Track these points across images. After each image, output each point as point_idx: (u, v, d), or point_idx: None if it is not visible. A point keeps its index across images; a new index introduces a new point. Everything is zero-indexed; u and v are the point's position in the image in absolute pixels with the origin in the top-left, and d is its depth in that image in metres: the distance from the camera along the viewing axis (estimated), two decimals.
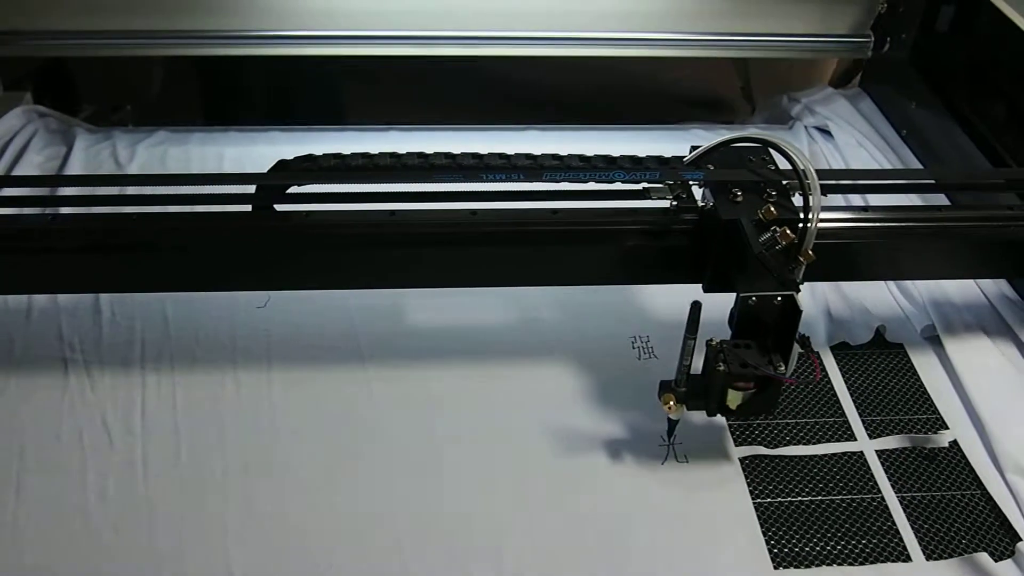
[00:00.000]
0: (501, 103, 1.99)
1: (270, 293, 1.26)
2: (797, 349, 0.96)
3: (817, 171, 0.99)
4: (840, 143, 1.62)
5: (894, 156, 1.61)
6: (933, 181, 1.30)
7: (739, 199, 1.01)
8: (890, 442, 1.12)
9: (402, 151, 1.08)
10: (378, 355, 1.19)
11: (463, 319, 1.25)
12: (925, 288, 1.30)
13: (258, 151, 1.26)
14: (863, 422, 1.14)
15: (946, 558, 1.00)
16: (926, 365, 1.22)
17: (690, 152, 1.08)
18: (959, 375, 1.18)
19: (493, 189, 1.05)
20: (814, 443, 1.11)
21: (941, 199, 1.38)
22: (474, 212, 1.07)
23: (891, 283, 1.33)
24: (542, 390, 1.15)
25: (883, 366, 1.22)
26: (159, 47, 1.65)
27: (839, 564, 0.99)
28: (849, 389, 1.18)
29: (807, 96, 1.77)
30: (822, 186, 0.99)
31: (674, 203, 1.07)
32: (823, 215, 1.09)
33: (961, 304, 1.28)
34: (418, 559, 0.97)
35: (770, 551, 0.99)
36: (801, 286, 1.22)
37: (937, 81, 1.60)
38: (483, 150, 1.08)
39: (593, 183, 1.05)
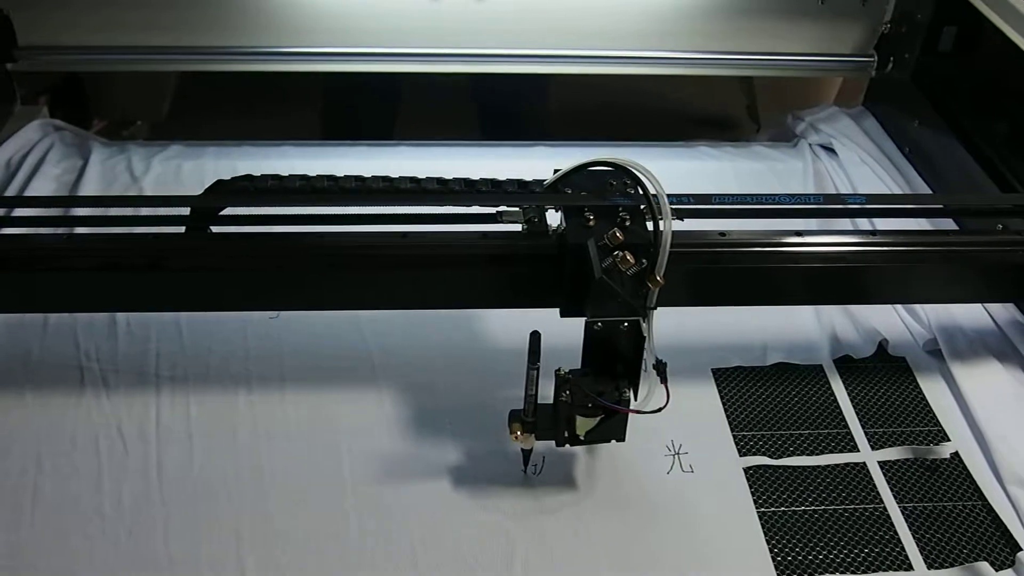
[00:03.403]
0: (509, 120, 2.01)
1: None
2: (655, 376, 0.96)
3: (674, 196, 0.98)
4: (844, 161, 1.64)
5: (897, 174, 1.62)
6: (941, 206, 1.31)
7: (591, 223, 1.00)
8: (892, 453, 1.13)
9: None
10: (390, 368, 1.21)
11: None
12: (932, 310, 1.31)
13: (271, 166, 1.28)
14: (866, 434, 1.16)
15: (947, 567, 1.01)
16: (928, 378, 1.24)
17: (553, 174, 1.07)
18: (961, 388, 1.20)
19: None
20: (817, 454, 1.13)
21: (949, 223, 1.40)
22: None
23: (898, 305, 1.34)
24: None
25: (886, 379, 1.24)
26: (172, 63, 1.68)
27: (841, 573, 1.00)
28: (852, 401, 1.20)
29: (811, 114, 1.79)
30: (677, 211, 0.99)
31: (524, 227, 1.07)
32: (832, 239, 1.12)
33: (967, 325, 1.30)
34: (433, 570, 0.98)
35: (773, 559, 1.01)
36: (795, 308, 1.23)
37: (940, 100, 1.62)
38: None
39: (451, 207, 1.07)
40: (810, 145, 1.71)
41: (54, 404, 1.14)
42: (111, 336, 1.23)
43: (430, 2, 1.61)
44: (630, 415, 0.97)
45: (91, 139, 1.66)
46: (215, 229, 1.10)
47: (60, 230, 1.21)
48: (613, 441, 1.00)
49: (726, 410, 1.18)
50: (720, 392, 1.20)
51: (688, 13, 1.68)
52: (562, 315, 1.04)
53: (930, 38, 1.64)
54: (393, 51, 1.66)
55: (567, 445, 1.01)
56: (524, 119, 2.00)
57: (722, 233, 1.10)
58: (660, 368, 0.96)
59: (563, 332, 0.99)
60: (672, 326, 1.24)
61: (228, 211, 1.09)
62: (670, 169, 1.09)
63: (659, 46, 1.69)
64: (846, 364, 1.25)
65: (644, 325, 0.95)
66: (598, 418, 0.97)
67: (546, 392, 0.98)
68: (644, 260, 0.96)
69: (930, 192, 1.57)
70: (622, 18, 1.66)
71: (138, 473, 1.06)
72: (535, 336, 0.94)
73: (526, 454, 1.05)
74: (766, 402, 1.19)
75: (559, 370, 0.96)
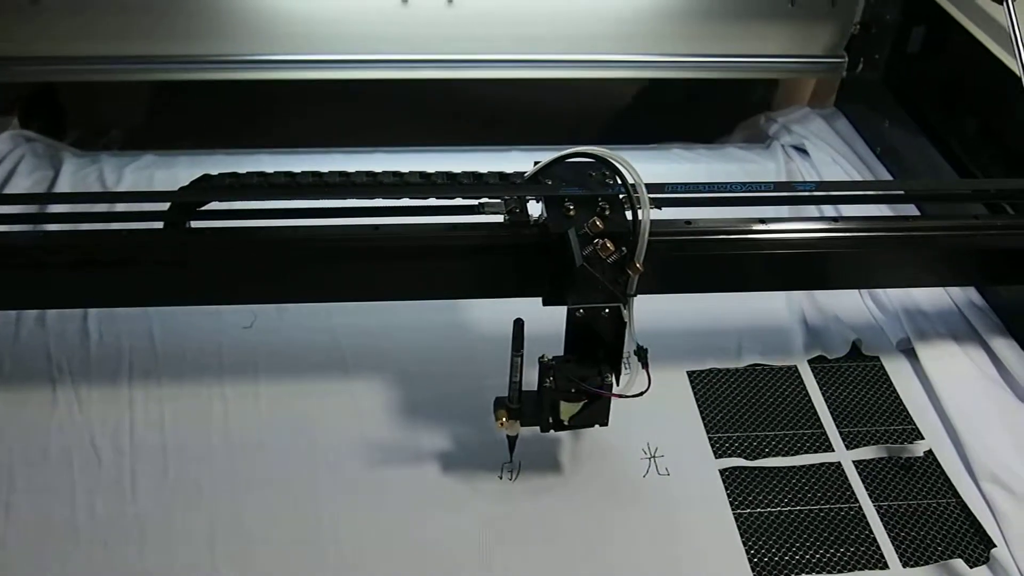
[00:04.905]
0: (484, 125, 2.00)
1: (256, 314, 1.27)
2: (636, 361, 0.98)
3: (652, 185, 1.00)
4: (816, 160, 1.65)
5: (868, 173, 1.63)
6: (902, 192, 1.33)
7: (572, 213, 1.01)
8: (867, 452, 1.14)
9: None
10: (363, 370, 1.21)
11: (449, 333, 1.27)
12: (896, 298, 1.33)
13: None
14: (840, 433, 1.16)
15: (922, 565, 1.02)
16: (901, 377, 1.25)
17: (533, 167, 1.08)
18: (934, 386, 1.21)
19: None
20: (792, 454, 1.13)
21: (911, 210, 1.41)
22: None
23: (865, 295, 1.36)
24: None
25: (859, 378, 1.24)
26: (145, 72, 1.67)
27: (818, 572, 1.00)
28: (826, 401, 1.21)
29: (784, 115, 1.80)
30: (655, 200, 1.00)
31: (506, 218, 1.07)
32: (796, 225, 1.12)
33: (932, 313, 1.31)
34: (408, 568, 0.98)
35: (750, 560, 1.01)
36: (776, 294, 1.24)
37: (909, 100, 1.63)
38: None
39: (433, 199, 1.07)
40: (783, 146, 1.72)
41: (26, 418, 1.13)
42: (83, 346, 1.22)
43: (400, 7, 1.61)
44: (612, 400, 0.99)
45: (63, 150, 1.65)
46: (194, 224, 1.08)
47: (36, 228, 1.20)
48: (597, 426, 1.03)
49: (701, 412, 1.18)
50: (695, 394, 1.21)
51: (660, 17, 1.68)
52: (545, 303, 1.05)
53: (899, 39, 1.66)
54: (366, 58, 1.66)
55: (552, 431, 1.02)
56: (497, 124, 1.99)
57: (687, 222, 1.10)
58: (641, 354, 0.97)
59: (546, 320, 1.00)
60: (646, 325, 1.24)
61: (209, 207, 1.08)
62: (643, 172, 1.08)
63: (631, 50, 1.70)
64: (820, 364, 1.26)
65: (625, 312, 0.96)
66: (582, 403, 0.99)
67: (530, 379, 0.99)
68: (624, 248, 0.97)
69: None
70: (594, 22, 1.67)
71: (112, 485, 1.06)
72: (518, 324, 0.96)
73: (511, 441, 1.06)
74: (741, 403, 1.20)
75: (543, 357, 0.98)
